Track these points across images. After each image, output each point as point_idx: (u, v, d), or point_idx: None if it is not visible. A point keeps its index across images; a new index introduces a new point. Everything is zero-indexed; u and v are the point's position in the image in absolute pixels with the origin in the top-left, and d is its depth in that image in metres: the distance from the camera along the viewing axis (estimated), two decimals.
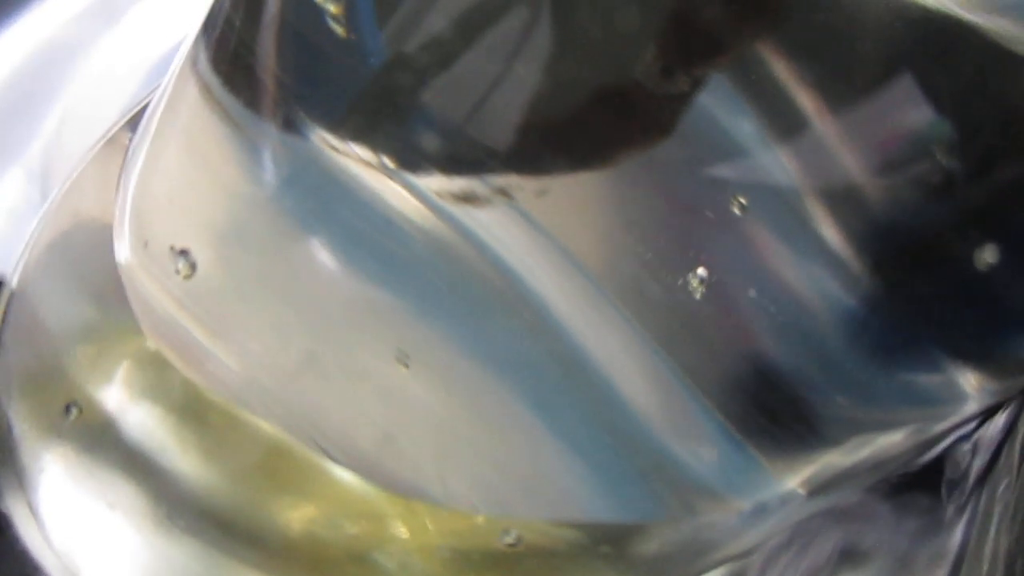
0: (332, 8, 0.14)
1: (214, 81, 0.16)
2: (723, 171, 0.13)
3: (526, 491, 0.16)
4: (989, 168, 0.13)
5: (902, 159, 0.13)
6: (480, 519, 0.16)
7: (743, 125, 0.13)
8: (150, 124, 0.17)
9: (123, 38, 0.27)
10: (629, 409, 0.15)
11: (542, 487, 0.16)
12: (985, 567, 0.15)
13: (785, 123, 0.13)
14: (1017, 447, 0.16)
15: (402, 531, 0.16)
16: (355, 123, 0.15)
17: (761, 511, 0.16)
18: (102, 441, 0.17)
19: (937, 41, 0.13)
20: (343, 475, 0.16)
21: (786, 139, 0.13)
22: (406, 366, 0.15)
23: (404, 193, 0.14)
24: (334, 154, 0.15)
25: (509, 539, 0.16)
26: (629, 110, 0.13)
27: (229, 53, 0.16)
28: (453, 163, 0.14)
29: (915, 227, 0.14)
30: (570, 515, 0.16)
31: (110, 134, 0.20)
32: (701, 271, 0.14)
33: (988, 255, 0.14)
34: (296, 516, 0.16)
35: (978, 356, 0.15)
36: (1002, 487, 0.16)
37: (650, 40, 0.13)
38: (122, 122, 0.20)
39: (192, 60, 0.16)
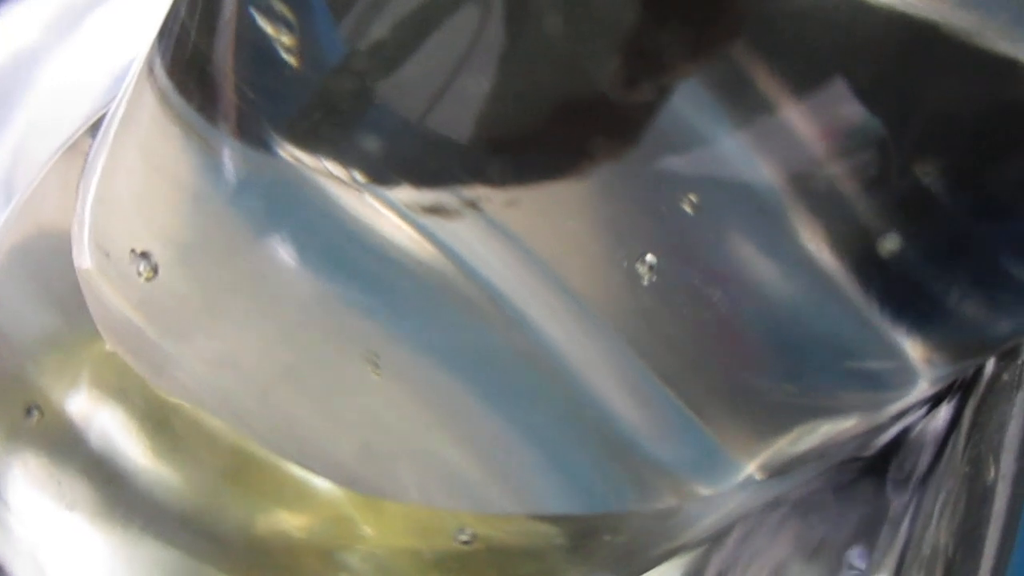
0: (286, 40, 0.14)
1: (170, 87, 0.16)
2: (684, 169, 0.14)
3: (494, 487, 0.16)
4: (920, 159, 0.14)
5: (845, 151, 0.13)
6: (442, 516, 0.16)
7: (709, 127, 0.13)
8: (109, 130, 0.17)
9: (86, 46, 0.27)
10: (596, 401, 0.15)
11: (509, 482, 0.16)
12: (927, 553, 0.15)
13: (751, 122, 0.13)
14: (960, 441, 0.17)
15: (368, 531, 0.16)
16: (314, 132, 0.15)
17: (719, 497, 0.16)
18: (63, 444, 0.17)
19: (885, 38, 0.13)
20: (307, 476, 0.16)
21: (750, 136, 0.13)
22: (377, 373, 0.15)
23: (371, 201, 0.14)
24: (293, 161, 0.15)
25: (464, 537, 0.16)
26: (595, 121, 0.14)
27: (185, 61, 0.16)
28: (420, 175, 0.14)
29: (857, 216, 0.14)
30: (535, 508, 0.16)
31: (71, 141, 0.20)
32: (657, 262, 0.14)
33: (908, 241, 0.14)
34: (261, 517, 0.16)
35: (926, 332, 0.15)
36: (945, 478, 0.16)
37: (613, 51, 0.13)
38: (83, 129, 0.20)
39: (149, 66, 0.16)
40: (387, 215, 0.14)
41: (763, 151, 0.13)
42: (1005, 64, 0.13)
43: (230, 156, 0.15)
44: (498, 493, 0.16)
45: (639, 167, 0.14)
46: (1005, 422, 0.16)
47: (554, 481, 0.16)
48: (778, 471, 0.16)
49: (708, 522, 0.17)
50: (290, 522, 0.16)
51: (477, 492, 0.16)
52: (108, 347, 0.17)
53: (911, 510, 0.17)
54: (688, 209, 0.14)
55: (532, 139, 0.14)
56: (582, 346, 0.15)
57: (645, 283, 0.14)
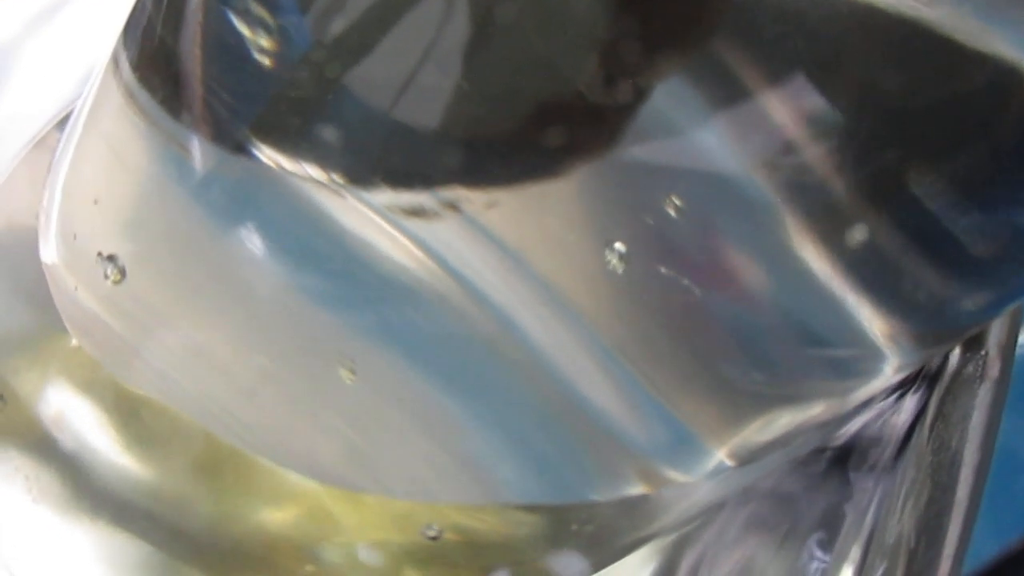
0: (264, 42, 0.14)
1: (134, 82, 0.16)
2: (665, 167, 0.14)
3: (472, 478, 0.16)
4: (889, 146, 0.14)
5: (819, 138, 0.13)
6: (417, 509, 0.16)
7: (689, 123, 0.13)
8: (75, 125, 0.17)
9: (59, 40, 0.27)
10: (574, 393, 0.15)
11: (487, 473, 0.16)
12: (891, 542, 0.15)
13: (730, 115, 0.13)
14: (925, 432, 0.17)
15: (346, 524, 0.16)
16: (285, 131, 0.14)
17: (688, 485, 0.16)
18: (29, 436, 0.17)
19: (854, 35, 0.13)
20: (283, 470, 0.16)
21: (729, 129, 0.13)
22: (353, 373, 0.15)
23: (347, 201, 0.14)
24: (265, 159, 0.14)
25: (431, 532, 0.16)
26: (574, 121, 0.14)
27: (150, 56, 0.16)
28: (398, 177, 0.14)
29: (830, 203, 0.14)
30: (511, 498, 0.16)
31: (40, 135, 0.20)
32: (633, 258, 0.14)
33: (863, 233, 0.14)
34: (235, 511, 0.16)
35: (892, 312, 0.15)
36: (909, 468, 0.17)
37: (591, 50, 0.13)
38: (52, 123, 0.20)
39: (114, 60, 0.16)
40: (365, 214, 0.14)
41: (742, 144, 0.13)
42: (969, 54, 0.13)
43: (198, 152, 0.15)
44: (476, 484, 0.16)
45: (619, 166, 0.14)
46: (969, 413, 0.16)
47: (529, 471, 0.16)
48: (747, 459, 0.16)
49: (677, 511, 0.17)
50: (266, 517, 0.16)
51: (456, 484, 0.16)
52: (74, 342, 0.17)
53: (876, 500, 0.17)
54: (670, 209, 0.14)
55: (511, 140, 0.14)
56: (562, 341, 0.15)
57: (620, 277, 0.14)
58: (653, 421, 0.15)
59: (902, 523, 0.15)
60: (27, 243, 0.18)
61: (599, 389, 0.15)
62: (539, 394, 0.15)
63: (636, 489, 0.16)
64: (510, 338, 0.15)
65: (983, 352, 0.17)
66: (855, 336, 0.15)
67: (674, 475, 0.16)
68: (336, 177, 0.14)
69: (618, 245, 0.14)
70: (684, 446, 0.16)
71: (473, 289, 0.14)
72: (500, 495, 0.16)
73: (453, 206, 0.14)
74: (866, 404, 0.17)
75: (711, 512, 0.18)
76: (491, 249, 0.14)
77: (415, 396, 0.15)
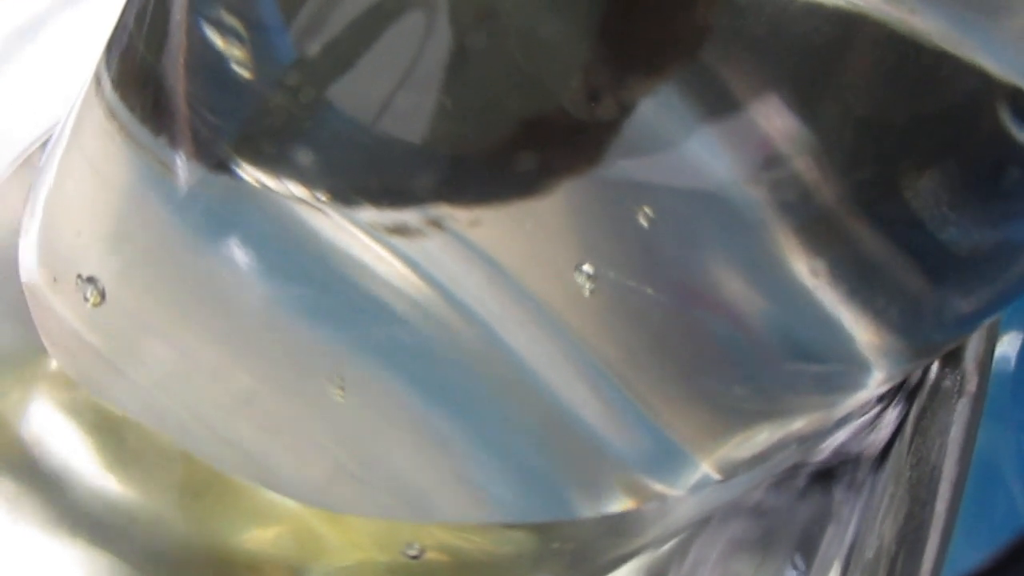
0: (237, 53, 0.14)
1: (116, 100, 0.16)
2: (642, 180, 0.14)
3: (461, 497, 0.16)
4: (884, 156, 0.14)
5: (802, 150, 0.13)
6: (402, 527, 0.16)
7: (667, 136, 0.13)
8: (57, 145, 0.17)
9: (44, 56, 0.27)
10: (563, 409, 0.15)
11: (476, 492, 0.16)
12: (870, 556, 0.15)
13: (711, 128, 0.13)
14: (905, 446, 0.17)
15: (333, 543, 0.16)
16: (266, 149, 0.15)
17: (671, 501, 0.16)
18: (8, 455, 0.16)
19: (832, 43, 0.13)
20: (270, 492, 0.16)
21: (708, 142, 0.13)
22: (342, 391, 0.15)
23: (331, 218, 0.14)
24: (248, 178, 0.15)
25: (412, 552, 0.16)
26: (554, 139, 0.14)
27: (132, 74, 0.16)
28: (383, 195, 0.14)
29: (814, 213, 0.14)
30: (498, 517, 0.16)
31: (25, 155, 0.20)
32: (615, 272, 0.14)
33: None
34: (220, 531, 0.16)
35: (878, 323, 0.15)
36: (889, 483, 0.17)
37: (574, 66, 0.13)
38: (39, 143, 0.20)
39: (96, 79, 0.16)
40: (350, 231, 0.14)
41: (723, 158, 0.14)
42: (950, 66, 0.13)
43: (180, 170, 0.15)
44: (464, 501, 0.16)
45: (598, 182, 0.14)
46: (947, 427, 0.16)
47: (517, 486, 0.16)
48: (731, 472, 0.16)
49: (658, 528, 0.17)
50: (248, 537, 0.16)
51: (444, 501, 0.16)
52: (55, 364, 0.17)
53: (857, 514, 0.17)
54: (643, 221, 0.14)
55: (493, 158, 0.14)
56: (548, 355, 0.15)
57: (601, 292, 0.14)
58: (638, 432, 0.15)
59: (882, 537, 0.16)
60: (13, 261, 0.18)
61: (585, 401, 0.15)
62: (526, 409, 0.15)
63: (622, 503, 0.16)
64: (496, 353, 0.15)
65: (961, 367, 0.17)
66: (841, 349, 0.15)
67: (659, 488, 0.16)
68: (320, 195, 0.14)
69: (592, 260, 0.14)
70: (669, 457, 0.16)
71: (459, 305, 0.14)
72: (488, 512, 0.16)
73: (438, 224, 0.14)
74: (847, 418, 0.17)
75: (694, 529, 0.18)
76: (476, 265, 0.14)
77: (403, 413, 0.15)
